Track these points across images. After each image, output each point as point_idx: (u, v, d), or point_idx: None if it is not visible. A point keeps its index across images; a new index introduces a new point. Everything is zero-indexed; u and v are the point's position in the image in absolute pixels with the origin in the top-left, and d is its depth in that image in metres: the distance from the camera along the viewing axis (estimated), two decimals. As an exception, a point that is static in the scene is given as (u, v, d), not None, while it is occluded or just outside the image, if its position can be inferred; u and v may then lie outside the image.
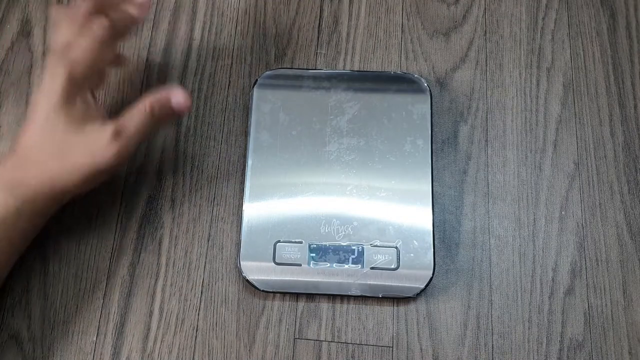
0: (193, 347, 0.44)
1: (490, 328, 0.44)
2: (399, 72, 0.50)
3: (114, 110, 0.49)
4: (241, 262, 0.44)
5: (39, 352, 0.43)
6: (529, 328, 0.44)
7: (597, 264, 0.46)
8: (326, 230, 0.44)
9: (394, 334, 0.44)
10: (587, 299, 0.45)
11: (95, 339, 0.44)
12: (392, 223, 0.45)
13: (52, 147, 0.39)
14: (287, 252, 0.44)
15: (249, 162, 0.46)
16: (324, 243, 0.44)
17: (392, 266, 0.44)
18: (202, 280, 0.45)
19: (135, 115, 0.41)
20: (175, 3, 0.53)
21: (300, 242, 0.44)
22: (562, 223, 0.47)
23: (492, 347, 0.44)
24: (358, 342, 0.44)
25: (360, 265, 0.44)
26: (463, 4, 0.53)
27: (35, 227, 0.42)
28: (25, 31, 0.52)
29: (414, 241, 0.44)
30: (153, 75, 0.50)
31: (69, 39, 0.40)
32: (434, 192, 0.46)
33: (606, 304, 0.45)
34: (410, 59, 0.51)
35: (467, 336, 0.44)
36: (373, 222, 0.45)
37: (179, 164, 0.48)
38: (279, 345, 0.44)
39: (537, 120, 0.49)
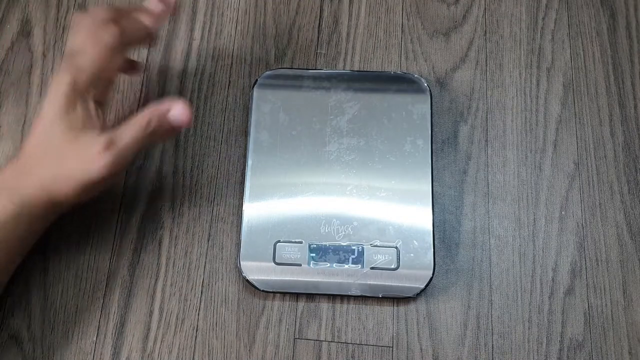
0: (193, 347, 0.44)
1: (490, 328, 0.44)
2: (399, 72, 0.50)
3: (114, 111, 0.49)
4: (241, 262, 0.44)
5: (39, 352, 0.43)
6: (529, 328, 0.44)
7: (597, 264, 0.46)
8: (326, 230, 0.44)
9: (394, 334, 0.44)
10: (587, 299, 0.45)
11: (95, 339, 0.44)
12: (392, 223, 0.45)
13: (49, 154, 0.39)
14: (287, 252, 0.44)
15: (249, 162, 0.46)
16: (324, 243, 0.44)
17: (392, 266, 0.44)
18: (202, 280, 0.45)
19: (131, 127, 0.39)
20: (175, 3, 0.53)
21: (300, 242, 0.44)
22: (562, 223, 0.47)
23: (492, 347, 0.44)
24: (358, 342, 0.44)
25: (360, 265, 0.44)
26: (463, 4, 0.53)
27: (34, 233, 0.41)
28: (25, 31, 0.52)
29: (414, 241, 0.44)
30: (153, 75, 0.50)
31: (79, 45, 0.39)
32: (434, 192, 0.46)
33: (606, 304, 0.45)
34: (410, 59, 0.51)
35: (467, 336, 0.44)
36: (373, 222, 0.45)
37: (179, 163, 0.48)
38: (279, 345, 0.44)
39: (537, 120, 0.49)
